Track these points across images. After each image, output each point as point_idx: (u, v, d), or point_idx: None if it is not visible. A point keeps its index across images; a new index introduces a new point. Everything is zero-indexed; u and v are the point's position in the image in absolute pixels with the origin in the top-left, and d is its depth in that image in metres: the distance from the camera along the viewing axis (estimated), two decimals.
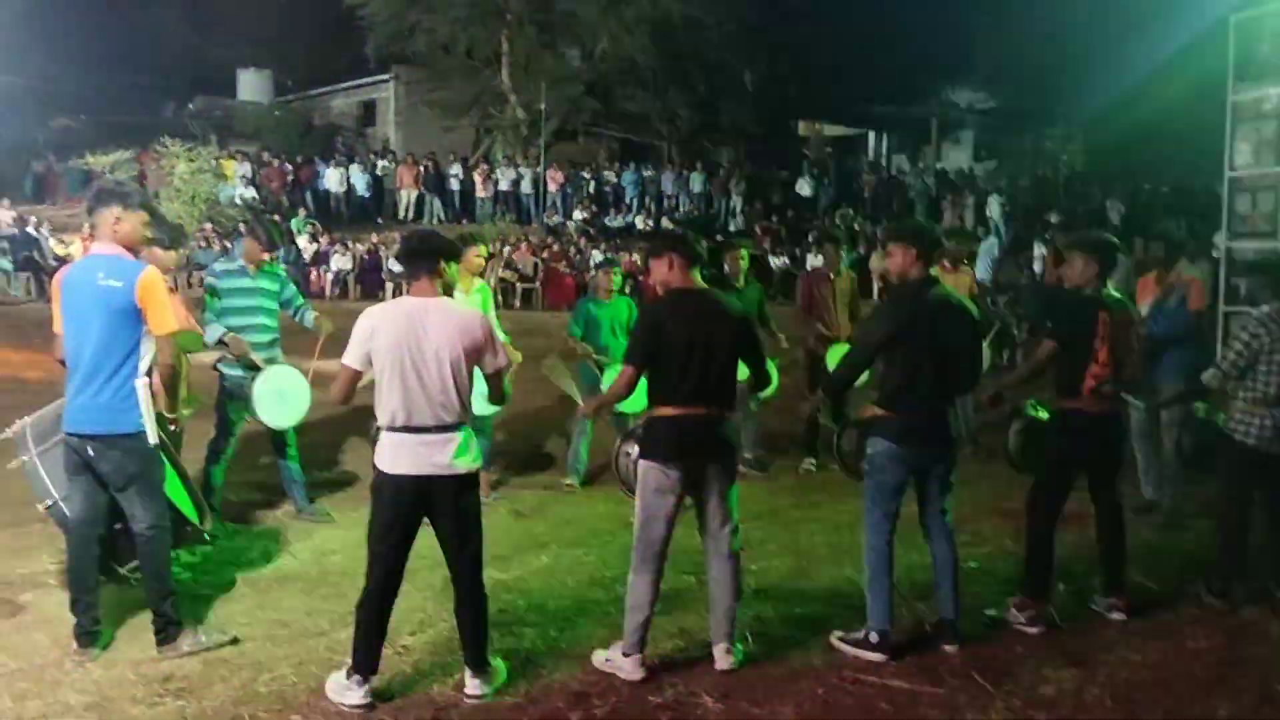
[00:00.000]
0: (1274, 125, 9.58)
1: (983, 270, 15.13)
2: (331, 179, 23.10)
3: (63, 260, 16.63)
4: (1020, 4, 23.78)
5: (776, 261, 19.89)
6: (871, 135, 35.41)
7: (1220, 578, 4.94)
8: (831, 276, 7.96)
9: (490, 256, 17.30)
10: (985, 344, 6.10)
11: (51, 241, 18.10)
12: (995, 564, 5.53)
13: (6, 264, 17.29)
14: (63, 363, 4.27)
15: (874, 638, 4.30)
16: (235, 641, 4.38)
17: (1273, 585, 4.94)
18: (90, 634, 4.24)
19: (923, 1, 27.10)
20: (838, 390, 5.18)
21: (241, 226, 12.73)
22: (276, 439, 6.30)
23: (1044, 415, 5.07)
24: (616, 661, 4.13)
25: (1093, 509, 4.92)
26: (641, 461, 4.19)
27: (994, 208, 22.13)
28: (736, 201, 24.61)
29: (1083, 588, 5.04)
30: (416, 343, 3.80)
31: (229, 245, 17.55)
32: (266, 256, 6.25)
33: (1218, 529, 5.12)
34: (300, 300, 6.44)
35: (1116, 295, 4.80)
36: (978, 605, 4.79)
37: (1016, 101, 28.96)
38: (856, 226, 21.85)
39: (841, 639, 4.40)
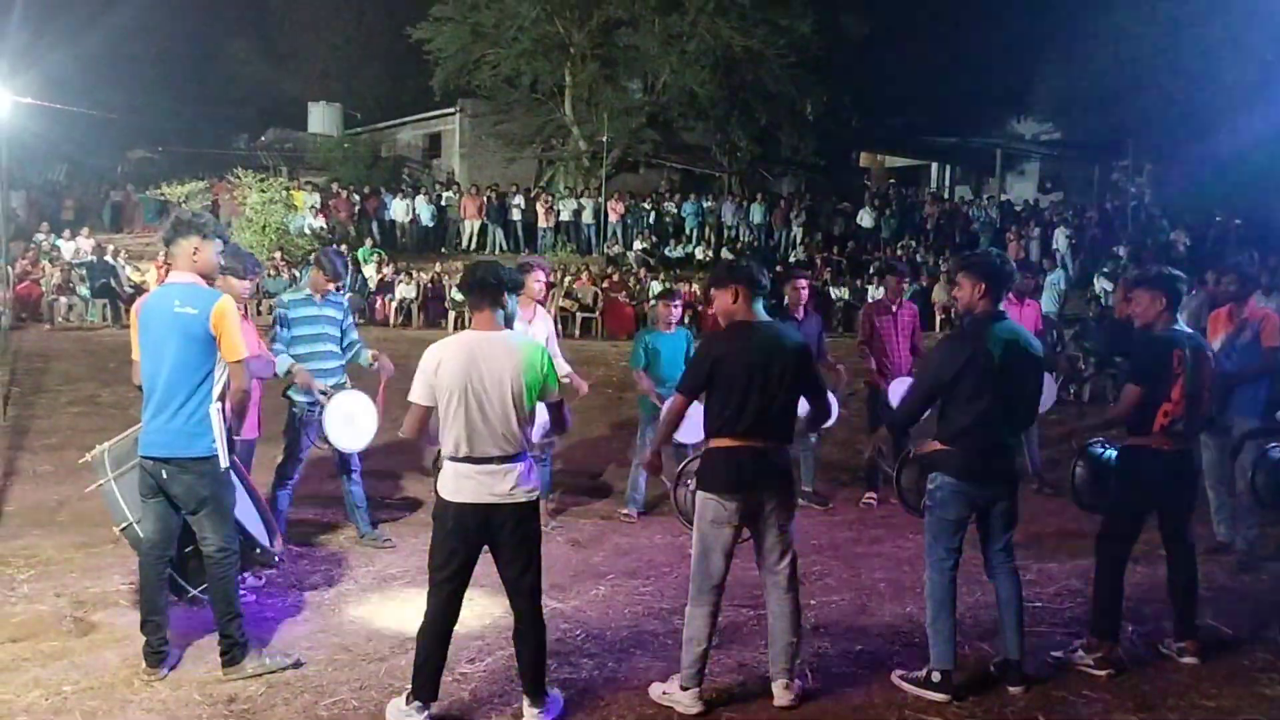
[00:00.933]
0: None
1: (1049, 303, 14.91)
2: (397, 209, 23.55)
3: (138, 287, 17.15)
4: (1087, 35, 23.53)
5: (837, 293, 19.80)
6: (934, 166, 35.15)
7: None
8: (893, 309, 7.90)
9: (551, 285, 17.50)
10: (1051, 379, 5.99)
11: (128, 269, 18.66)
12: (1061, 604, 5.42)
13: (85, 291, 17.85)
14: (140, 388, 4.39)
15: (936, 677, 4.22)
16: (298, 665, 4.44)
17: None
18: (159, 653, 4.33)
19: (987, 33, 26.94)
20: (903, 426, 5.10)
21: (311, 256, 13.01)
22: (342, 463, 6.40)
23: (1110, 453, 4.96)
24: (674, 695, 4.11)
25: (1163, 549, 4.80)
26: (699, 493, 4.19)
27: (1060, 240, 21.83)
28: (797, 232, 24.57)
29: (1153, 630, 4.91)
30: (479, 375, 3.84)
31: (297, 274, 17.95)
32: (332, 287, 6.38)
33: None
34: (354, 336, 6.49)
35: (1188, 331, 4.70)
36: (1043, 646, 4.69)
37: (1083, 133, 28.59)
38: (919, 258, 21.67)
39: (903, 677, 4.33)
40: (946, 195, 30.95)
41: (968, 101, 29.44)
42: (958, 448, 4.28)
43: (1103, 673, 4.45)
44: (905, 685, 4.29)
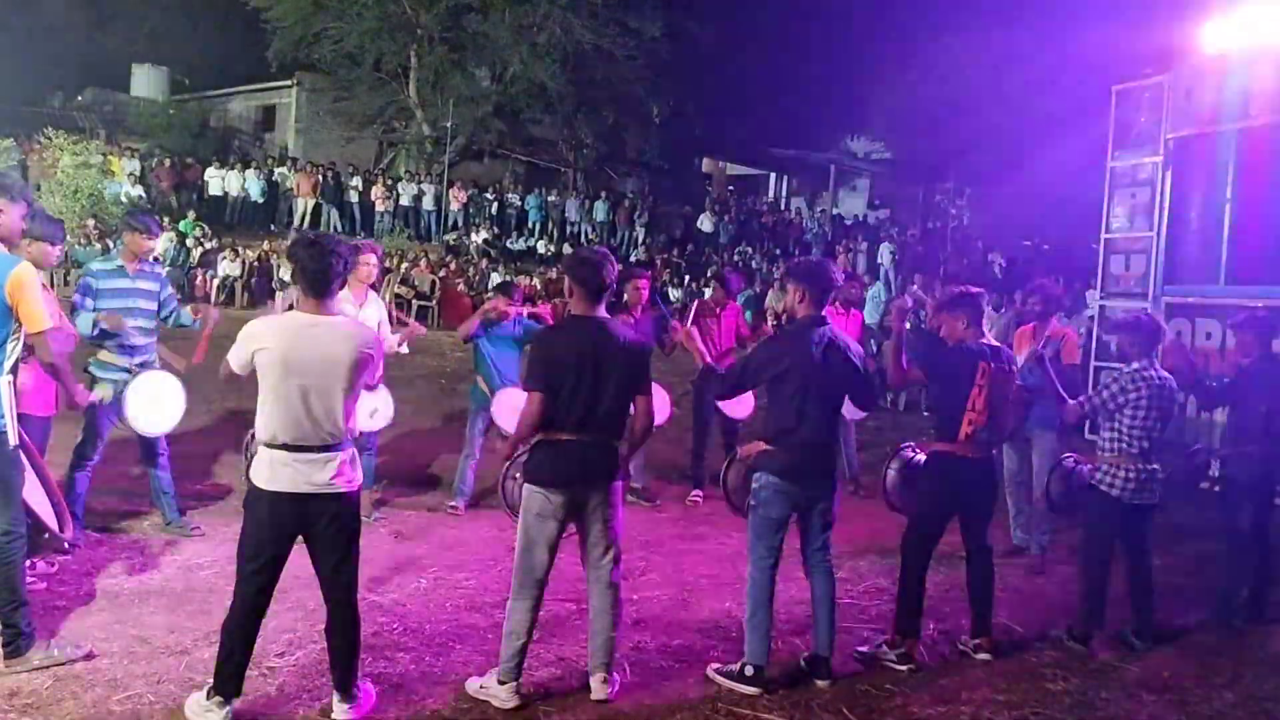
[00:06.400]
0: (1148, 192, 10.13)
1: (871, 314, 15.52)
2: (225, 182, 22.46)
3: None
4: (917, 62, 24.64)
5: (675, 294, 20.09)
6: (772, 177, 36.20)
7: (1082, 623, 5.13)
8: (718, 311, 8.06)
9: (388, 271, 17.08)
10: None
11: None
12: (869, 601, 5.65)
13: None
14: None
15: (749, 671, 4.34)
16: (90, 657, 4.19)
17: (1129, 632, 5.16)
18: None
19: (827, 53, 27.91)
20: (720, 398, 5.21)
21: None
22: (147, 446, 6.07)
23: (921, 458, 5.21)
24: (491, 689, 4.07)
25: (964, 551, 5.07)
26: (526, 486, 4.17)
27: (885, 255, 22.80)
28: (639, 232, 24.81)
29: (952, 628, 5.18)
30: (305, 361, 3.68)
31: (110, 244, 16.89)
32: (150, 244, 6.04)
33: (1081, 576, 5.32)
34: (174, 305, 6.20)
35: (996, 345, 4.98)
36: (851, 641, 4.88)
37: (910, 154, 29.95)
38: (754, 264, 22.23)
39: (718, 671, 4.43)
40: (783, 205, 31.91)
41: (806, 117, 30.41)
42: (780, 448, 4.41)
43: (904, 667, 4.67)
44: (719, 679, 4.38)
